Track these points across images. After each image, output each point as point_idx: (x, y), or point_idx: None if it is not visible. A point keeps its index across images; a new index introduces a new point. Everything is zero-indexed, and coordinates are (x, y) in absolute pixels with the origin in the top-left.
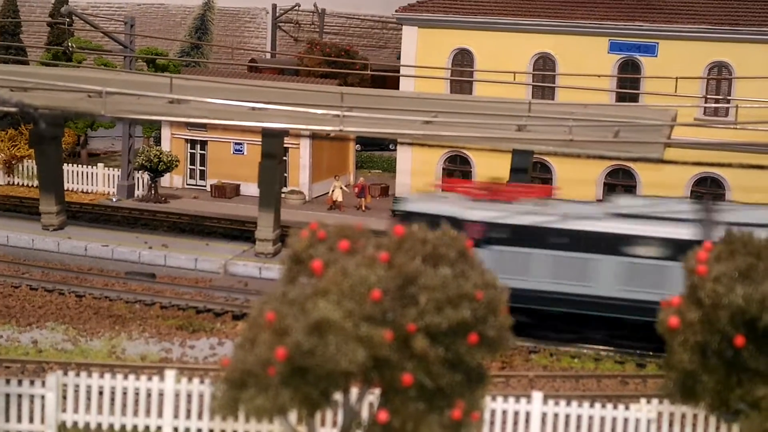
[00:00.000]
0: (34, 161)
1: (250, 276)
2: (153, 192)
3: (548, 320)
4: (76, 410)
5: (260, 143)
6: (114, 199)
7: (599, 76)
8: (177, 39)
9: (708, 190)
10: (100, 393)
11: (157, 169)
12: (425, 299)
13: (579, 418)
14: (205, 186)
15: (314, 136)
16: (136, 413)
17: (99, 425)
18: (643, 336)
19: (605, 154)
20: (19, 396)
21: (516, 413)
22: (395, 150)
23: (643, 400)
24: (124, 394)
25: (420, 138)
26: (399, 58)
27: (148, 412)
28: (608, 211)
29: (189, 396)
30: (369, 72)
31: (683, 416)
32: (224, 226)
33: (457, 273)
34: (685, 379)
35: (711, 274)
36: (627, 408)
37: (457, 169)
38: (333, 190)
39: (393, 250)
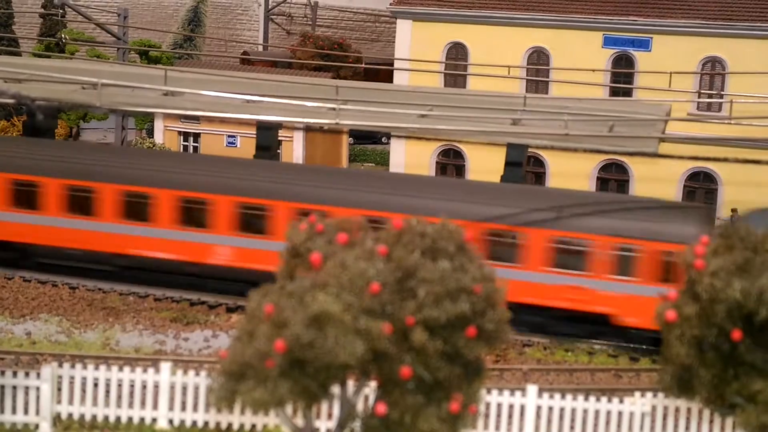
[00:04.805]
0: None
1: None
2: None
3: None
4: (71, 402)
5: (254, 136)
6: None
7: (593, 70)
8: (170, 31)
9: (701, 184)
10: (95, 385)
11: None
12: (424, 292)
13: (573, 411)
14: None
15: (308, 129)
16: (131, 405)
17: (94, 417)
18: None
19: (601, 149)
20: (14, 387)
21: (511, 406)
22: (388, 143)
23: (637, 394)
24: (119, 386)
25: (415, 132)
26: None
27: (143, 404)
28: None
29: (184, 388)
30: (362, 65)
31: (677, 410)
32: None
33: (456, 266)
34: (682, 372)
35: (708, 268)
36: (621, 401)
37: (450, 163)
38: None
39: (392, 244)
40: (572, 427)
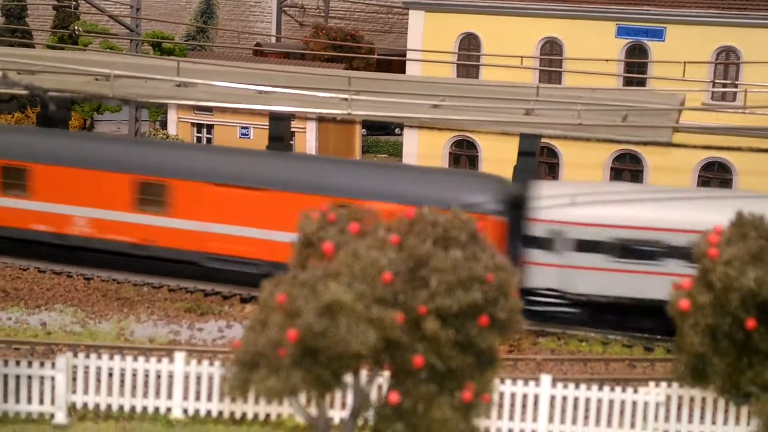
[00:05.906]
0: None
1: None
2: None
3: None
4: (86, 392)
5: (267, 127)
6: None
7: (606, 60)
8: (183, 23)
9: (715, 174)
10: (110, 375)
11: None
12: (436, 281)
13: (587, 401)
14: None
15: (321, 120)
16: (145, 395)
17: (109, 406)
18: None
19: (614, 138)
20: (29, 377)
21: (524, 396)
22: (401, 134)
23: (651, 384)
24: (134, 375)
25: (428, 122)
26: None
27: (157, 393)
28: None
29: (198, 378)
30: (375, 56)
31: (691, 399)
32: None
33: (468, 255)
34: (696, 361)
35: (722, 257)
36: (635, 391)
37: (463, 153)
38: None
39: (404, 233)
40: (586, 417)
